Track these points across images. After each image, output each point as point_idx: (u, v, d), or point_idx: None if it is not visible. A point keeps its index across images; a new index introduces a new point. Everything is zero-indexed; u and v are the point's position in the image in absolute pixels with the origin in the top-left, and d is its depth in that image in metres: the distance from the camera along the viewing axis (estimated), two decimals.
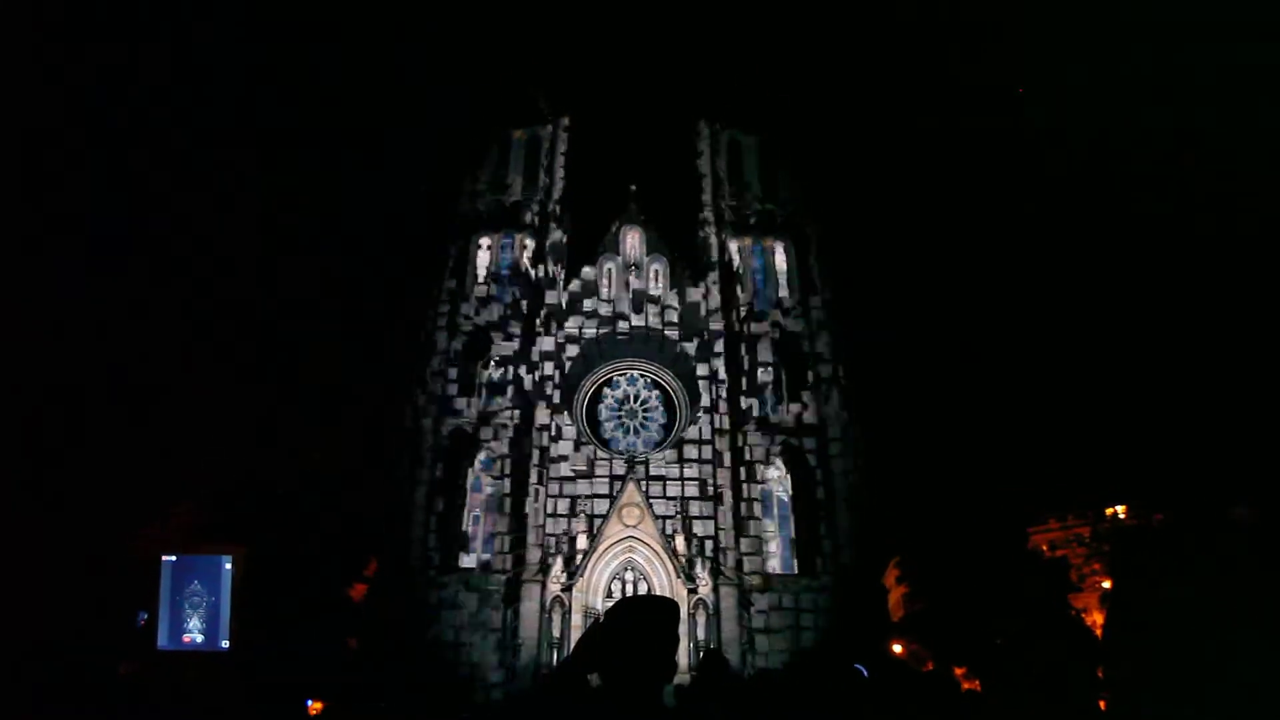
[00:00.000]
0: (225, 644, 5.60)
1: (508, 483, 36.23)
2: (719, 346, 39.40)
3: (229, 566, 5.74)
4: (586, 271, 41.94)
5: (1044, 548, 38.97)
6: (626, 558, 34.85)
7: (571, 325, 40.26)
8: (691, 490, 36.49)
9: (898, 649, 33.65)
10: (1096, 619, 33.54)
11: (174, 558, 5.70)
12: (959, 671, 31.67)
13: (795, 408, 38.47)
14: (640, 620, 3.10)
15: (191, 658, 5.62)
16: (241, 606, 5.66)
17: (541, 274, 40.83)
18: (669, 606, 3.23)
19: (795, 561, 36.71)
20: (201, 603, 5.63)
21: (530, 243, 42.27)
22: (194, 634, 5.60)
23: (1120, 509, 40.29)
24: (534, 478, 35.68)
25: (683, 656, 29.44)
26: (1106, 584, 36.06)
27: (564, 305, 40.52)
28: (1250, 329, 36.00)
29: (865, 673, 9.07)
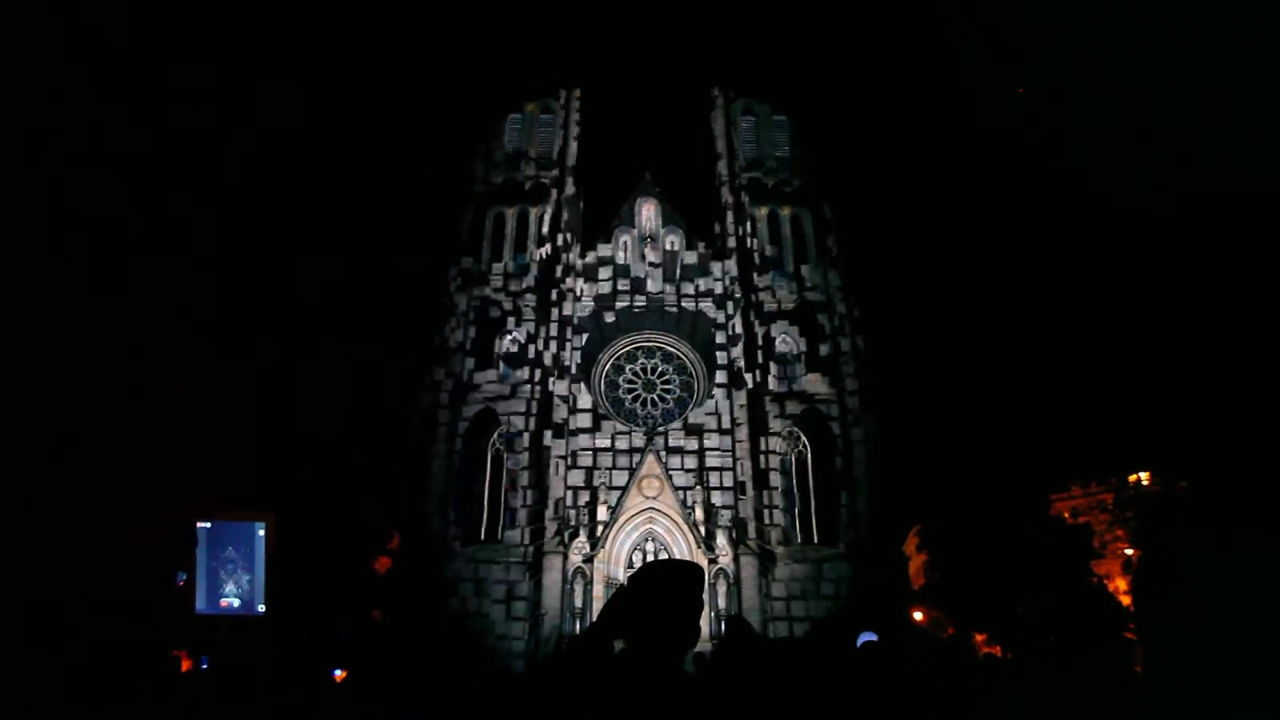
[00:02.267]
0: (261, 608, 5.72)
1: (527, 455, 36.47)
2: (736, 317, 39.27)
3: (262, 533, 5.84)
4: (602, 244, 41.82)
5: (1066, 514, 38.81)
6: (647, 529, 35.11)
7: (588, 298, 40.25)
8: (711, 461, 36.62)
9: (918, 616, 33.77)
10: (1119, 585, 33.47)
11: (209, 524, 5.81)
12: (979, 638, 31.83)
13: (814, 377, 38.32)
14: (664, 584, 3.10)
15: (228, 621, 5.75)
16: (274, 572, 5.77)
17: (558, 247, 40.72)
18: (693, 570, 3.22)
19: (815, 530, 36.80)
20: (236, 568, 5.75)
21: (546, 216, 42.11)
22: (231, 598, 5.72)
23: (1144, 475, 40.01)
24: (554, 450, 35.92)
25: (704, 625, 29.73)
26: (1129, 551, 35.90)
27: (580, 278, 40.49)
28: (1275, 296, 35.35)
29: (876, 639, 9.10)
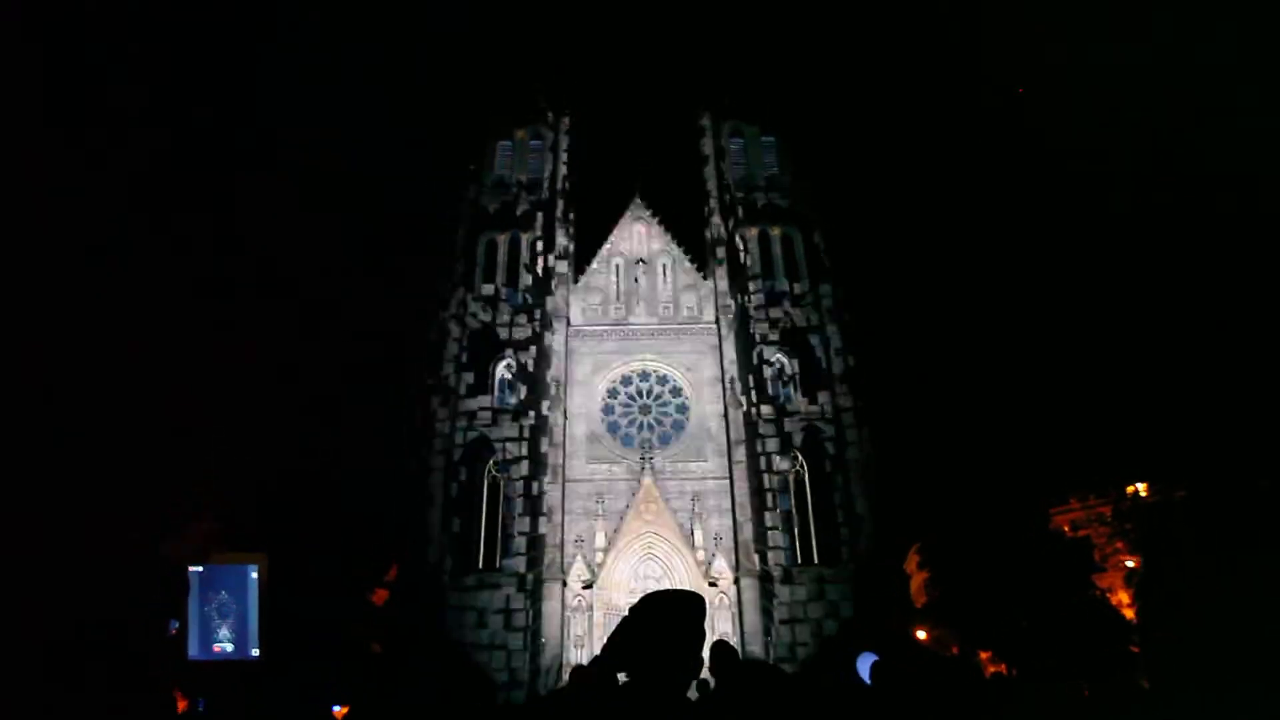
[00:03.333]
0: (255, 652, 5.62)
1: (524, 482, 36.29)
2: (730, 338, 39.31)
3: (255, 575, 5.76)
4: (594, 267, 41.94)
5: (1066, 528, 38.71)
6: (646, 553, 34.85)
7: (581, 321, 40.29)
8: (709, 484, 36.46)
9: (922, 635, 33.54)
10: (1122, 598, 33.32)
11: (201, 568, 5.72)
12: (984, 655, 31.60)
13: (808, 397, 38.32)
14: (666, 614, 3.07)
15: (222, 666, 5.65)
16: (268, 614, 5.69)
17: (550, 271, 40.84)
18: (693, 600, 3.18)
19: (816, 551, 36.61)
20: (230, 611, 5.66)
21: (538, 240, 42.30)
22: (224, 643, 5.62)
23: (1141, 487, 40.01)
24: (550, 476, 35.74)
25: (708, 652, 29.44)
26: (1130, 563, 35.79)
27: (573, 302, 40.56)
28: (1270, 305, 35.58)
29: (880, 660, 9.00)
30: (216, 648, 5.55)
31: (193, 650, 5.56)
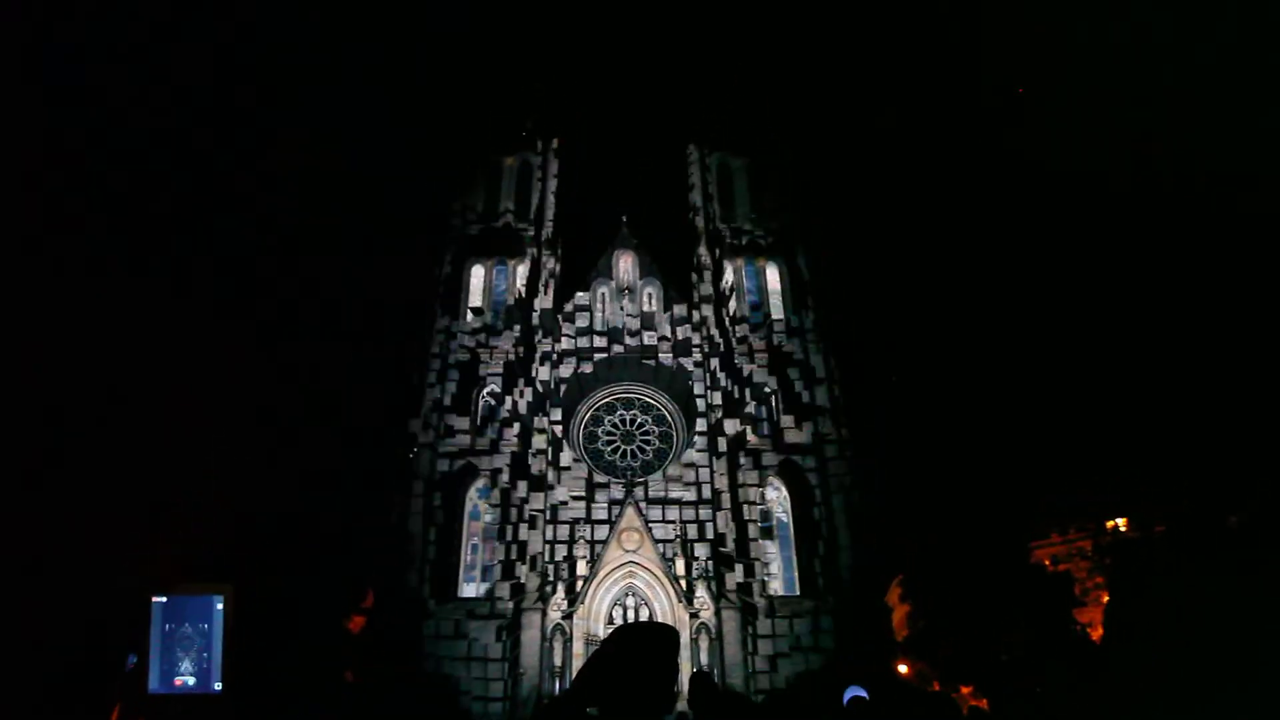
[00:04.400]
0: (218, 686, 5.48)
1: (505, 510, 36.01)
2: (715, 368, 39.42)
3: (220, 606, 5.65)
4: (580, 296, 42.05)
5: (1046, 562, 38.78)
6: (627, 583, 34.54)
7: (566, 350, 40.28)
8: (690, 513, 36.29)
9: (904, 669, 33.33)
10: (1102, 633, 33.33)
11: (164, 599, 5.60)
12: (965, 690, 31.43)
13: (792, 427, 38.39)
14: (636, 650, 3.05)
15: (183, 701, 5.51)
16: (234, 646, 5.56)
17: (535, 299, 40.90)
18: (667, 634, 3.17)
19: (797, 582, 36.44)
20: (193, 644, 5.53)
21: (523, 268, 42.44)
22: (186, 677, 5.48)
23: (1121, 521, 40.19)
24: (532, 504, 35.49)
25: (686, 684, 29.12)
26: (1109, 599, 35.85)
27: (558, 330, 40.57)
28: (1248, 338, 36.07)
29: (865, 695, 8.96)
30: (178, 681, 5.40)
31: (153, 684, 5.41)
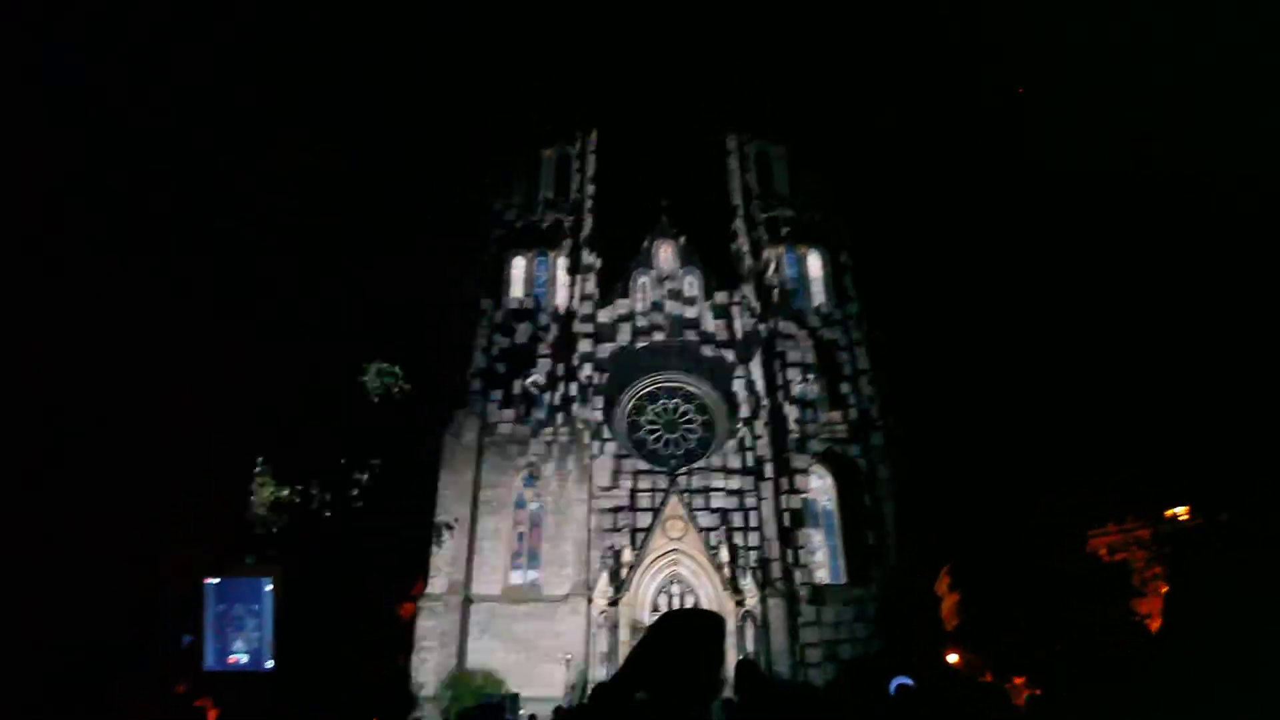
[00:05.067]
0: (270, 664, 5.65)
1: (550, 498, 36.31)
2: (756, 356, 39.16)
3: (269, 588, 5.81)
4: (621, 286, 42.10)
5: (1103, 551, 37.75)
6: (672, 571, 34.62)
7: (608, 340, 40.38)
8: (735, 501, 36.19)
9: (953, 658, 32.80)
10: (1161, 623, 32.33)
11: (216, 581, 5.79)
12: (1019, 681, 30.81)
13: (836, 415, 37.96)
14: (683, 636, 3.04)
15: (237, 677, 5.69)
16: (283, 626, 5.72)
17: (577, 290, 41.08)
18: (713, 620, 3.15)
19: (844, 570, 36.09)
20: (244, 624, 5.71)
21: (564, 259, 42.63)
22: (239, 655, 5.66)
23: (1181, 510, 38.93)
24: (577, 493, 35.73)
25: (732, 671, 29.09)
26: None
27: (600, 320, 40.69)
28: None
29: (911, 684, 8.81)
30: (231, 659, 5.61)
31: (208, 661, 5.63)
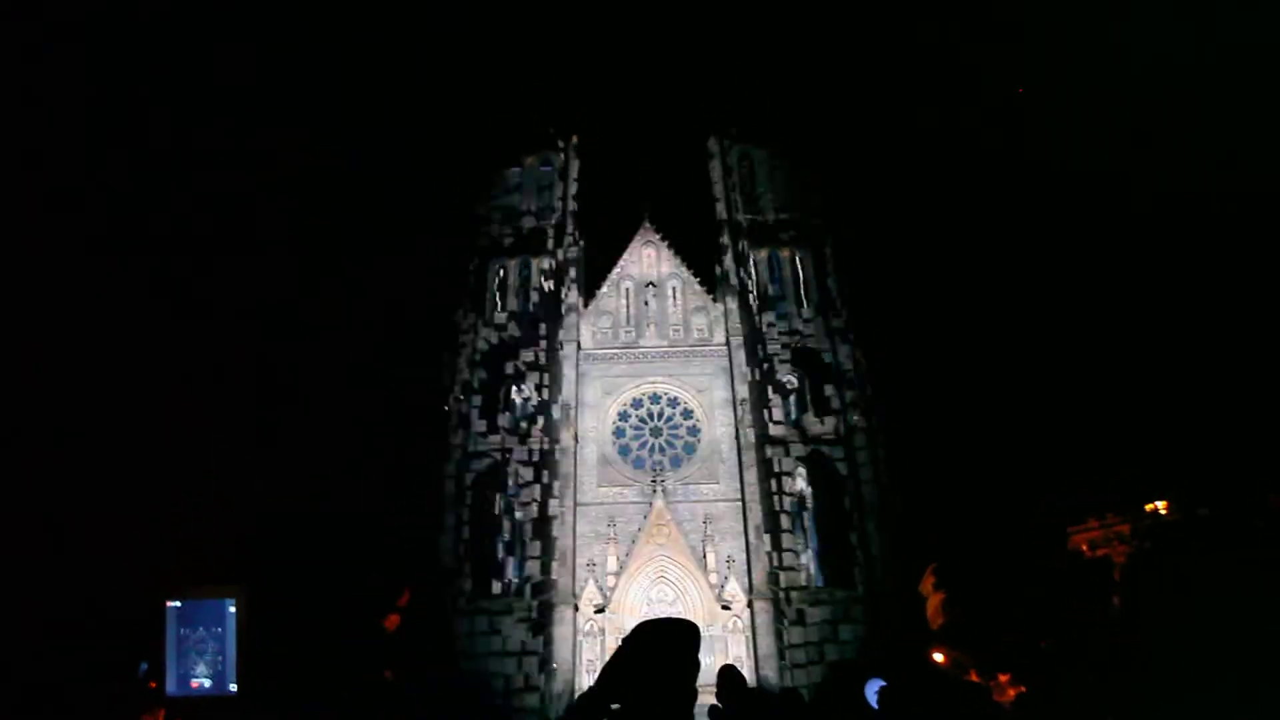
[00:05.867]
0: (233, 687, 5.55)
1: (535, 507, 36.20)
2: (740, 360, 39.22)
3: (233, 609, 5.72)
4: (604, 291, 42.08)
5: (1084, 547, 38.04)
6: (659, 577, 34.61)
7: (591, 345, 40.34)
8: (720, 506, 36.22)
9: (939, 657, 32.91)
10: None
11: (179, 603, 5.69)
12: (1004, 678, 30.99)
13: (819, 418, 38.08)
14: (657, 645, 3.03)
15: (201, 703, 5.59)
16: (249, 646, 5.63)
17: (560, 295, 41.03)
18: (687, 628, 3.14)
19: (828, 573, 36.19)
20: (206, 647, 5.61)
21: (547, 266, 42.56)
22: (201, 679, 5.56)
23: (1161, 505, 39.29)
24: (561, 500, 35.64)
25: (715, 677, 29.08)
26: None
27: (583, 326, 40.66)
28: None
29: (886, 684, 8.80)
30: (194, 684, 5.48)
31: (170, 687, 5.50)
